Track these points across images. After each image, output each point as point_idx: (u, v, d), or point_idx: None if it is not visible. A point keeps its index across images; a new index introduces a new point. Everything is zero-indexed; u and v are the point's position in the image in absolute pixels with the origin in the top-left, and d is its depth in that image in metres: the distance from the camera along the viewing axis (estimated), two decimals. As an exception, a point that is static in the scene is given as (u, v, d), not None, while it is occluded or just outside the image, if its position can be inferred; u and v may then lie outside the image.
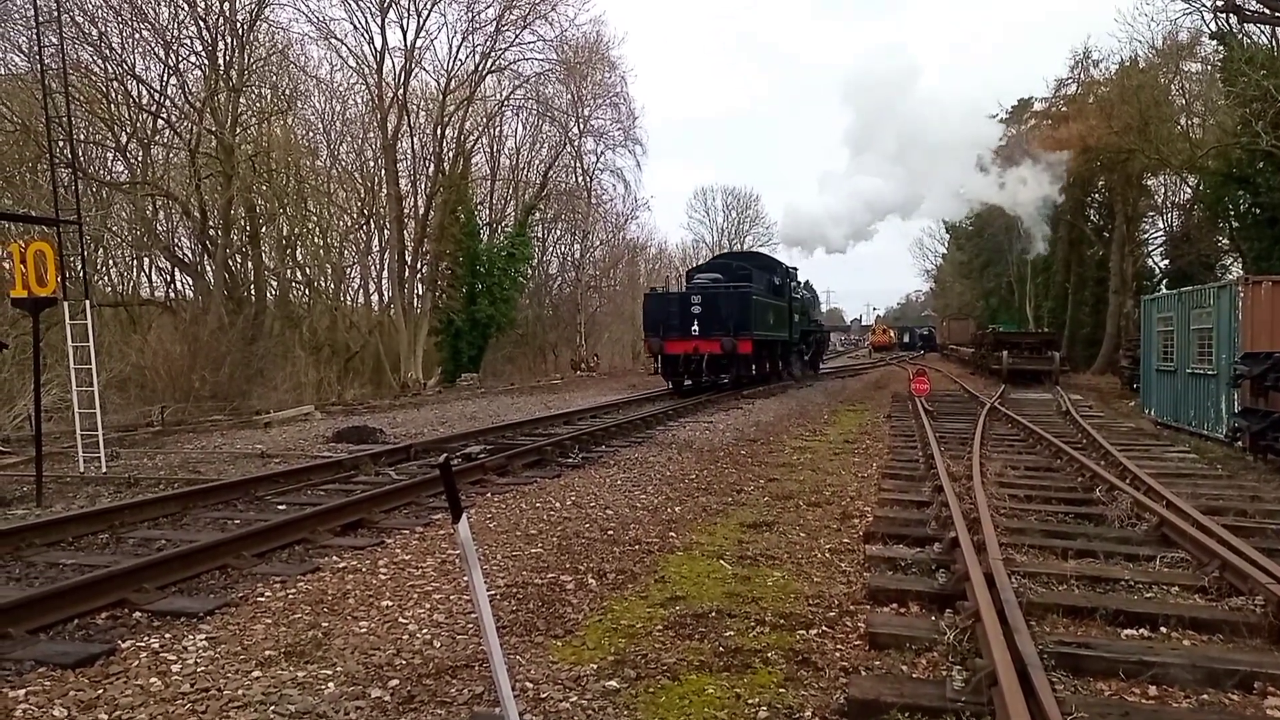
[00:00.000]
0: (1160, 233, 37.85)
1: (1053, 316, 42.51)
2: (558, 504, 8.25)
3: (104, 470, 10.52)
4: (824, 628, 4.93)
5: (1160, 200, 36.48)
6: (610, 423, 14.01)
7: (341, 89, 33.00)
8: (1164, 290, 27.17)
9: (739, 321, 21.28)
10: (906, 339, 76.07)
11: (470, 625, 4.91)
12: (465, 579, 5.75)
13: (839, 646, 4.67)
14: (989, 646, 4.07)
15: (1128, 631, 4.88)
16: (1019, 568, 5.83)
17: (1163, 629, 4.89)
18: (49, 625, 4.76)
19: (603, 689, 4.08)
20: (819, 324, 36.52)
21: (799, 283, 29.78)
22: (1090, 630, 4.88)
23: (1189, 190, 33.60)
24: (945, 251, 73.52)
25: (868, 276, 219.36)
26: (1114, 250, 34.70)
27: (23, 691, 3.91)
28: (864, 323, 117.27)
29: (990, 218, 47.80)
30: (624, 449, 12.20)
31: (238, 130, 26.85)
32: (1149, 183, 34.53)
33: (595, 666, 4.35)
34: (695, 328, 21.36)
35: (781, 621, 5.02)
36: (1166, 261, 36.16)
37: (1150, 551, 6.43)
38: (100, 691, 3.92)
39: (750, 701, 3.96)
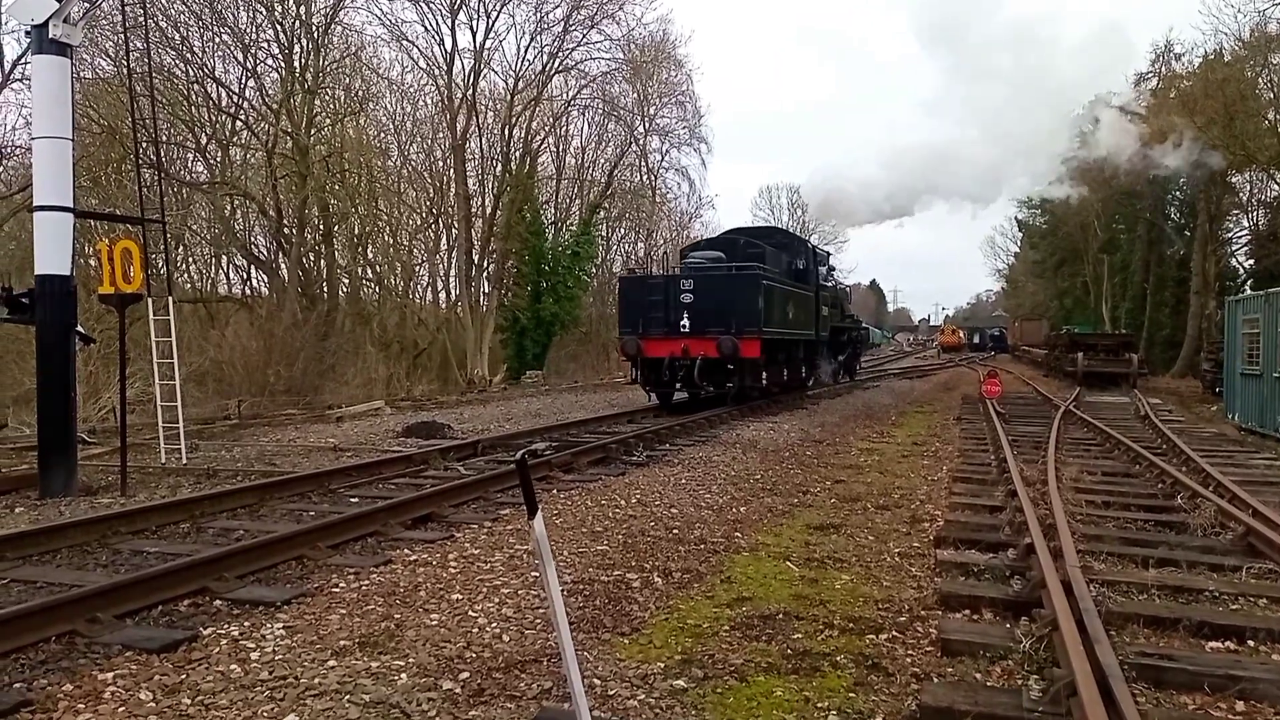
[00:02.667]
0: (1245, 231, 36.44)
1: (1130, 318, 41.28)
2: (623, 502, 8.27)
3: (184, 461, 10.86)
4: (894, 632, 4.86)
5: (1245, 198, 35.13)
6: (674, 421, 14.00)
7: (412, 90, 33.55)
8: (1249, 291, 26.17)
9: (744, 314, 15.93)
10: (976, 339, 74.59)
11: (538, 620, 4.95)
12: (533, 574, 5.83)
13: (910, 652, 4.59)
14: (1068, 656, 3.96)
15: (1213, 644, 4.70)
16: (1097, 576, 5.66)
17: (1250, 642, 4.71)
18: (135, 611, 4.92)
19: (670, 688, 4.08)
20: (855, 319, 29.82)
21: (829, 267, 24.50)
22: (1173, 642, 4.72)
23: (1276, 187, 32.31)
24: (1017, 250, 71.98)
25: (936, 276, 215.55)
26: (1196, 249, 33.55)
27: (111, 674, 4.06)
28: (932, 323, 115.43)
29: (1065, 216, 46.61)
30: (688, 448, 12.18)
31: (312, 131, 27.47)
32: (1233, 179, 33.28)
33: (662, 665, 4.35)
34: (685, 322, 16.15)
35: (850, 625, 4.96)
36: (1252, 261, 34.80)
37: (1236, 562, 6.19)
38: (183, 677, 4.04)
39: (819, 705, 3.92)
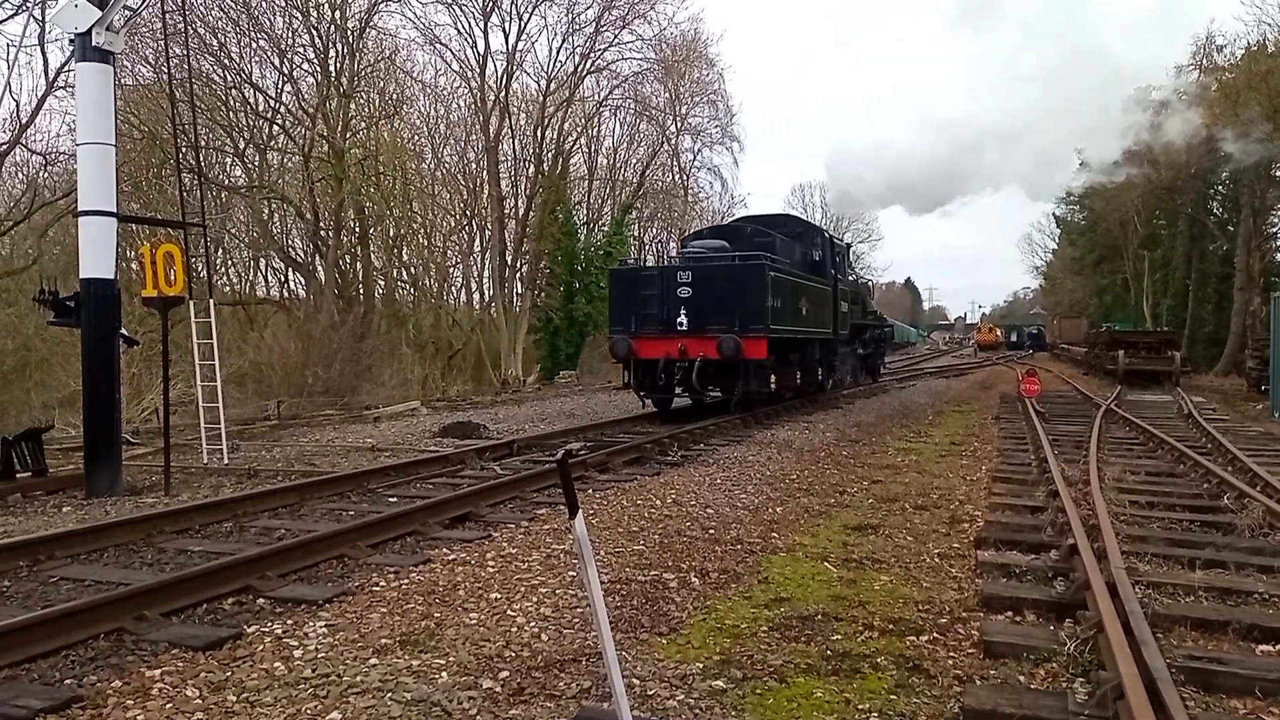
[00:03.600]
0: (1291, 226, 35.70)
1: (1172, 315, 40.58)
2: (658, 501, 8.27)
3: (226, 462, 11.02)
4: (935, 634, 4.81)
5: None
6: (709, 421, 13.96)
7: (445, 93, 33.80)
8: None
9: (749, 309, 14.33)
10: (1014, 338, 73.71)
11: (576, 620, 4.96)
12: (570, 574, 5.84)
13: (951, 654, 4.54)
14: (1114, 659, 3.90)
15: (1264, 648, 4.60)
16: (1142, 577, 5.57)
17: (1303, 646, 4.61)
18: (180, 609, 5.00)
19: (709, 689, 4.07)
20: (878, 316, 27.50)
21: (847, 259, 22.61)
22: (1222, 645, 4.63)
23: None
24: (1055, 247, 71.06)
25: (972, 274, 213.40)
26: (1240, 245, 32.90)
27: (158, 671, 4.12)
28: (968, 321, 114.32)
29: (1104, 212, 45.92)
30: (723, 448, 12.15)
31: (348, 135, 27.77)
32: (1278, 173, 32.58)
33: (701, 666, 4.34)
34: (683, 319, 14.54)
35: (890, 626, 4.92)
36: (1298, 256, 34.11)
37: (1287, 563, 6.07)
38: (228, 674, 4.10)
39: (861, 707, 3.89)
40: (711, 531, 7.17)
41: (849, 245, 24.08)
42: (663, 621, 5.00)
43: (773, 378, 15.73)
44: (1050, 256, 75.54)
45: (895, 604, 5.34)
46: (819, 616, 5.08)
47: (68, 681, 4.08)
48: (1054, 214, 64.99)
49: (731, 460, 10.94)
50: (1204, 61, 34.72)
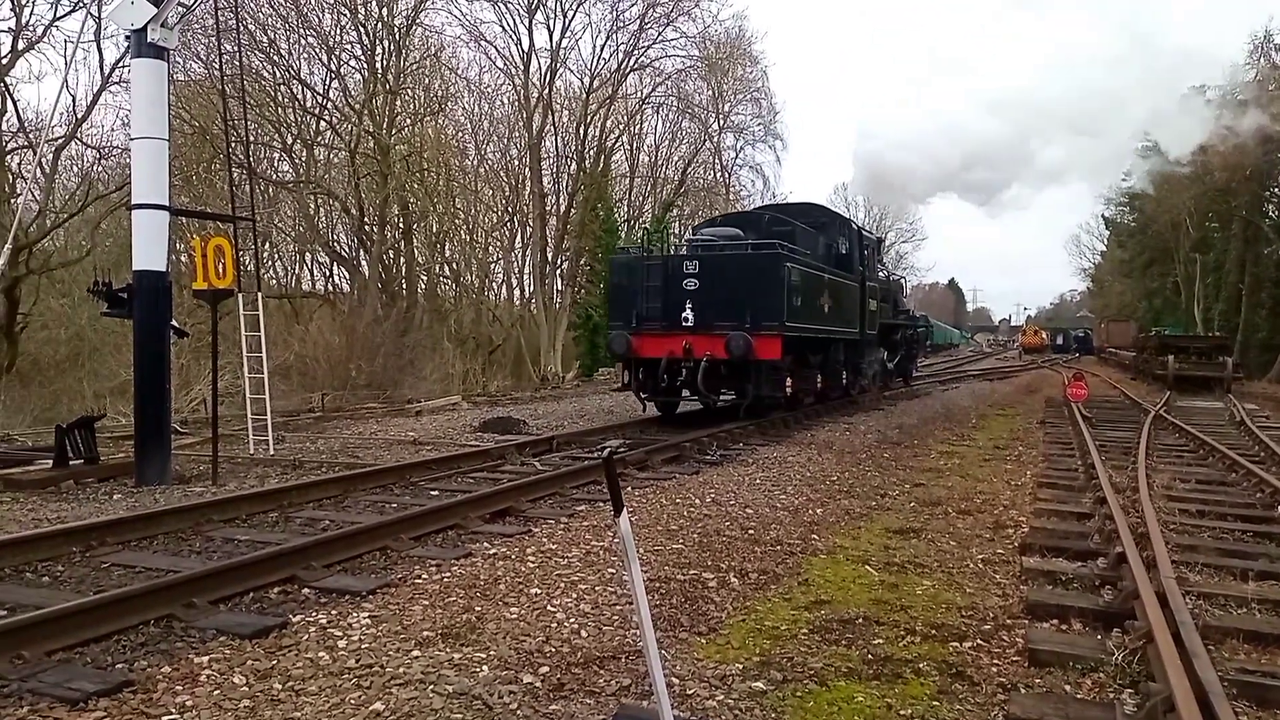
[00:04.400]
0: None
1: (1224, 319, 39.71)
2: (697, 501, 8.26)
3: (271, 452, 11.19)
4: (979, 640, 4.75)
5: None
6: (748, 421, 13.90)
7: (490, 90, 34.02)
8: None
9: (762, 304, 12.94)
10: (1060, 341, 72.57)
11: (615, 617, 4.97)
12: (609, 571, 5.85)
13: (995, 661, 4.48)
14: (1165, 671, 3.82)
15: (1321, 663, 4.49)
16: (1193, 588, 5.45)
17: (1362, 663, 4.48)
18: (228, 597, 5.09)
19: (749, 690, 4.05)
20: (911, 315, 25.54)
21: (878, 253, 20.94)
22: (1276, 659, 4.52)
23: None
24: (1104, 249, 69.89)
25: (1018, 275, 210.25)
26: (1297, 248, 32.06)
27: (206, 658, 4.20)
28: (1013, 323, 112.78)
29: (1155, 214, 45.04)
30: (762, 447, 12.10)
31: (394, 131, 28.05)
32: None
33: (740, 666, 4.32)
34: (688, 314, 13.23)
35: (933, 632, 4.86)
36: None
37: (1344, 577, 5.90)
38: (274, 662, 4.16)
39: (902, 713, 3.85)
40: (751, 532, 7.14)
41: (880, 239, 22.76)
42: (702, 621, 4.99)
43: (789, 381, 14.11)
44: (1099, 259, 74.39)
45: (938, 609, 5.27)
46: (860, 620, 5.04)
47: (119, 666, 4.17)
48: (1103, 216, 64.02)
49: (771, 460, 10.89)
50: (1262, 60, 33.91)
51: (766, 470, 10.14)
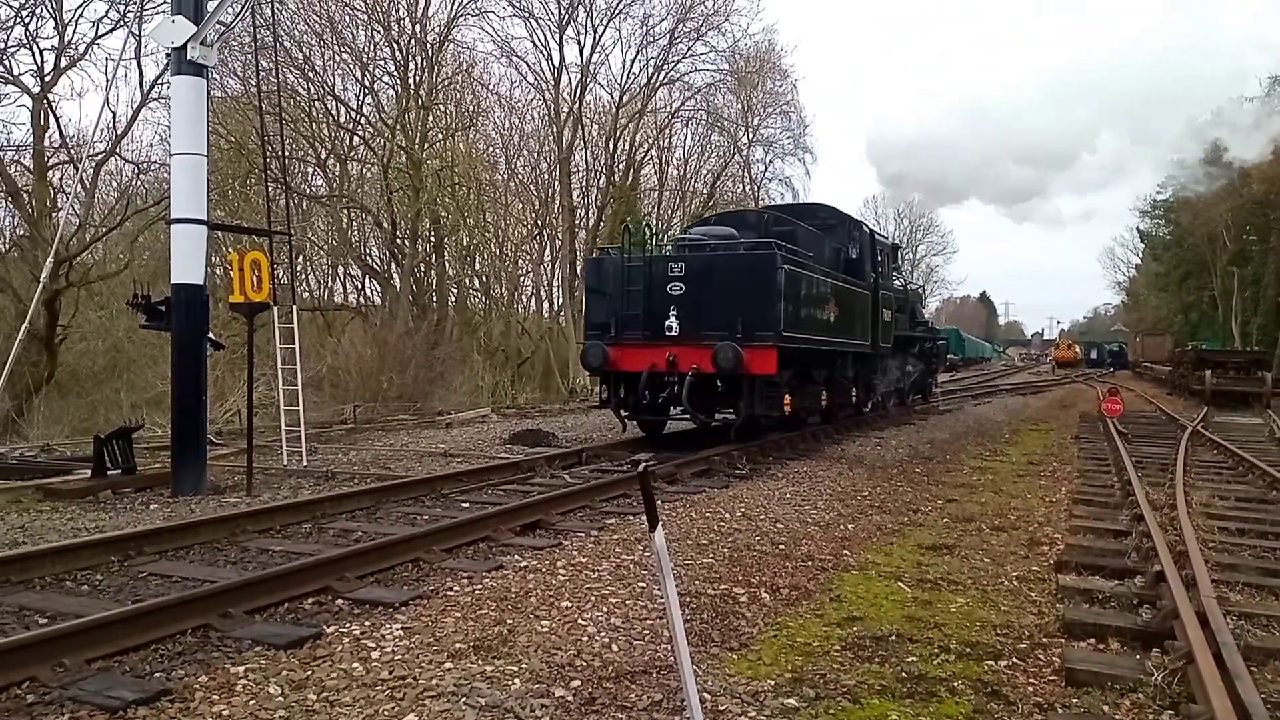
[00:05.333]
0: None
1: (1263, 334, 39.04)
2: (727, 515, 8.23)
3: (304, 464, 11.30)
4: (1014, 659, 4.69)
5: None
6: (778, 435, 13.83)
7: (520, 105, 34.27)
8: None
9: (756, 312, 11.58)
10: (1094, 355, 71.66)
11: (646, 631, 4.96)
12: (640, 585, 5.85)
13: (1032, 680, 4.43)
14: (1206, 692, 3.76)
15: (1367, 687, 4.39)
16: (1234, 608, 5.35)
17: None
18: (263, 607, 5.14)
19: (781, 706, 4.03)
20: (930, 327, 23.87)
21: (894, 260, 19.13)
22: (1322, 682, 4.43)
23: None
24: (1139, 262, 69.05)
25: (1051, 289, 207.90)
26: (1338, 262, 31.48)
27: (242, 668, 4.24)
28: (1046, 337, 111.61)
29: (1191, 226, 44.46)
30: (791, 461, 12.05)
31: (426, 146, 28.31)
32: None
33: (773, 683, 4.30)
34: (672, 322, 11.95)
35: (968, 650, 4.81)
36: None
37: (1391, 599, 5.77)
38: (309, 673, 4.20)
39: (937, 731, 3.82)
40: (782, 547, 7.11)
41: (896, 246, 20.86)
42: (733, 636, 4.97)
43: (787, 398, 12.50)
44: (1133, 272, 73.48)
45: (972, 627, 5.22)
46: (893, 637, 5.00)
47: (157, 675, 4.23)
48: (1138, 228, 63.26)
49: (801, 474, 10.84)
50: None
51: (796, 484, 10.10)
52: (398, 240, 28.54)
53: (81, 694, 3.91)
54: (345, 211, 28.44)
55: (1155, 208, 56.20)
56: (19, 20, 20.46)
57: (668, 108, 36.39)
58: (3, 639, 4.41)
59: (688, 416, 12.31)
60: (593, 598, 5.50)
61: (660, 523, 2.86)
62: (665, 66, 33.48)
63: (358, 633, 4.74)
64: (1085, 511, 8.66)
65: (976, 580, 6.25)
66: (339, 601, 5.37)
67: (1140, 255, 68.06)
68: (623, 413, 12.99)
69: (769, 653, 4.74)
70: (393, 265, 29.61)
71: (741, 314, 11.62)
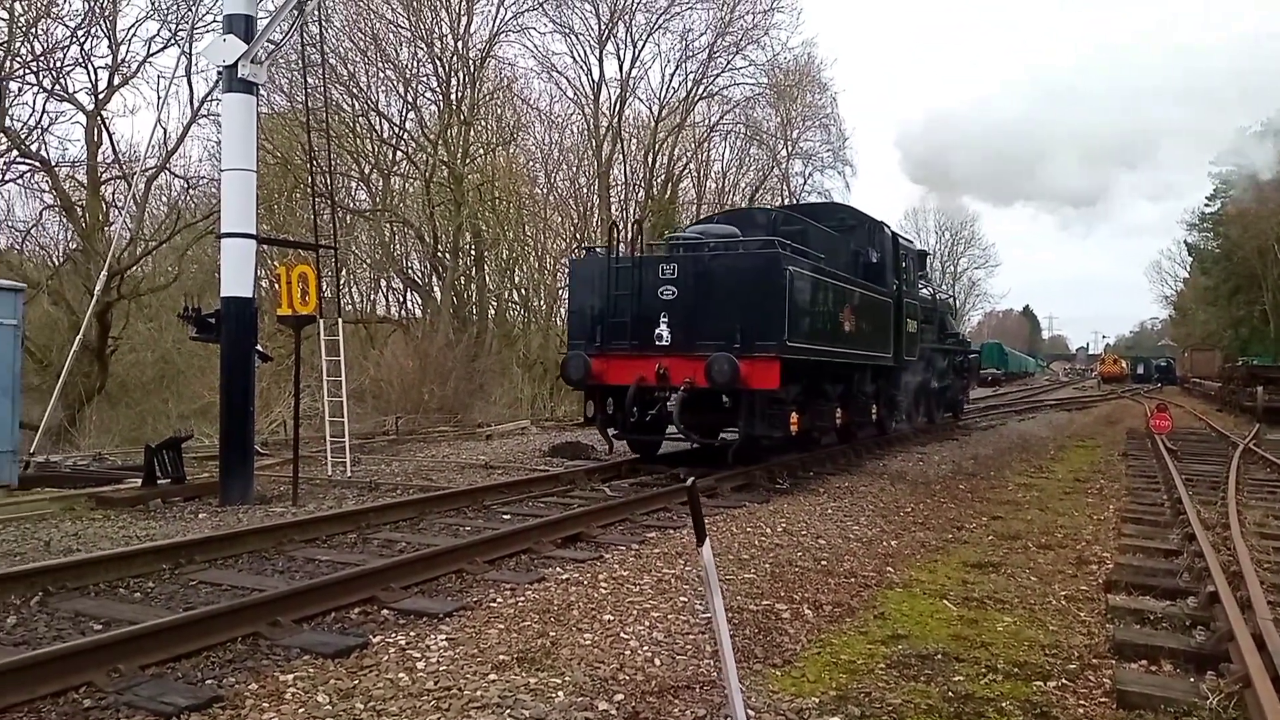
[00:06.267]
0: None
1: (1318, 349, 38.06)
2: (768, 530, 8.19)
3: (348, 474, 11.44)
4: (1064, 680, 4.62)
5: None
6: (820, 450, 13.75)
7: (560, 120, 34.51)
8: None
9: (757, 319, 10.53)
10: (1141, 370, 70.38)
11: (688, 646, 4.95)
12: (681, 599, 5.84)
13: (1082, 702, 4.35)
14: (1265, 717, 3.67)
15: None
16: (1292, 631, 5.22)
17: None
18: (311, 616, 5.20)
19: (826, 724, 4.00)
20: (961, 340, 22.50)
21: (920, 266, 17.59)
22: (1385, 709, 4.30)
23: None
24: (1187, 276, 67.72)
25: (1095, 302, 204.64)
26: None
27: (291, 676, 4.30)
28: (1091, 351, 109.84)
29: (1241, 240, 43.55)
30: (832, 476, 11.97)
31: (467, 161, 28.61)
32: None
33: (817, 700, 4.27)
34: (663, 330, 10.93)
35: (1015, 670, 4.75)
36: None
37: None
38: (356, 682, 4.24)
39: (986, 752, 3.77)
40: (824, 563, 7.06)
41: (924, 252, 19.51)
42: (776, 653, 4.95)
43: (794, 416, 11.24)
44: (1181, 286, 72.09)
45: (1020, 646, 5.15)
46: (939, 656, 4.94)
47: (209, 681, 4.30)
48: (1185, 241, 62.10)
49: (842, 490, 10.76)
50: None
51: (838, 500, 10.03)
52: (439, 254, 28.83)
53: (136, 699, 3.98)
54: (388, 225, 28.81)
55: (1204, 220, 55.16)
56: (75, 40, 21.08)
57: (706, 121, 36.45)
58: (61, 644, 4.52)
59: (690, 439, 11.49)
60: (635, 611, 5.51)
61: (708, 539, 2.87)
62: (704, 80, 33.59)
63: (403, 643, 4.79)
64: (1134, 530, 8.50)
65: (1024, 599, 6.16)
66: (384, 611, 5.43)
67: (1188, 269, 66.77)
68: (610, 431, 11.86)
69: (813, 670, 4.71)
70: (434, 278, 29.92)
71: (741, 322, 10.54)
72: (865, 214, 15.53)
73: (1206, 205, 48.93)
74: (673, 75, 33.71)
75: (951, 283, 72.82)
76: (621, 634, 5.08)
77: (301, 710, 3.92)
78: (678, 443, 12.60)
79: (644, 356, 10.97)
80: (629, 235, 11.46)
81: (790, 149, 39.46)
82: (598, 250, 12.29)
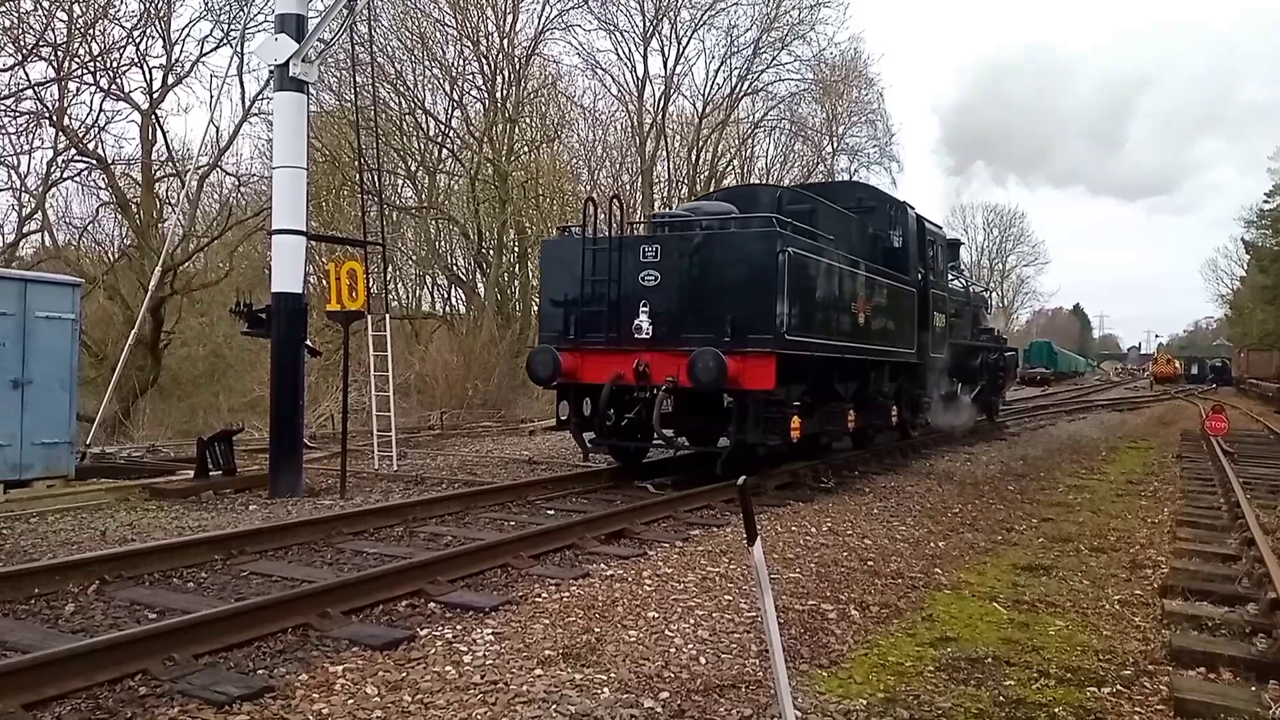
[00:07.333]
0: None
1: (1381, 350, 36.87)
2: (813, 529, 8.13)
3: (394, 468, 11.57)
4: (1118, 686, 4.52)
5: None
6: (862, 449, 13.60)
7: (604, 117, 34.55)
8: None
9: (750, 309, 9.29)
10: (1195, 370, 68.78)
11: (733, 645, 4.92)
12: (726, 598, 5.82)
13: (1138, 710, 4.25)
14: (1332, 730, 3.55)
15: None
16: (1358, 641, 5.06)
17: None
18: (359, 609, 5.26)
19: (875, 726, 3.96)
20: (996, 336, 20.78)
21: (947, 254, 15.77)
22: None
23: None
24: (1244, 274, 65.98)
25: (1148, 301, 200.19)
26: None
27: (340, 668, 4.34)
28: (1143, 351, 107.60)
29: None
30: (877, 475, 11.84)
31: (511, 158, 28.76)
32: None
33: (865, 702, 4.22)
34: (644, 322, 9.66)
35: (1068, 675, 4.65)
36: None
37: None
38: (404, 675, 4.28)
39: (1039, 759, 3.70)
40: (870, 563, 6.98)
41: (958, 242, 18.00)
42: (822, 653, 4.90)
43: (795, 420, 9.77)
44: (1237, 284, 70.27)
45: (1073, 651, 5.04)
46: (989, 659, 4.86)
47: (260, 671, 4.36)
48: (1242, 239, 60.48)
49: (888, 490, 10.65)
50: None
51: (884, 500, 9.92)
52: (483, 250, 29.03)
53: (190, 688, 4.05)
54: (433, 222, 29.07)
55: (1262, 217, 53.66)
56: (130, 41, 21.56)
57: (750, 118, 36.27)
58: (118, 632, 4.62)
59: (689, 445, 10.54)
60: (679, 609, 5.49)
61: (759, 537, 2.84)
62: (749, 76, 33.41)
63: (450, 636, 4.82)
64: (1190, 534, 8.30)
65: (1076, 603, 6.03)
66: (431, 605, 5.46)
67: (1245, 266, 65.06)
68: (586, 436, 10.40)
69: (860, 671, 4.65)
70: (478, 275, 30.14)
71: (731, 312, 9.27)
72: (886, 194, 14.33)
73: (1266, 202, 47.56)
74: (717, 71, 33.57)
75: (999, 280, 71.80)
76: (666, 631, 5.07)
77: (351, 701, 3.96)
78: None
79: (622, 351, 9.74)
80: (609, 213, 9.91)
81: (836, 145, 39.16)
82: (573, 231, 10.86)
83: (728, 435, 9.84)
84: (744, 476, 2.68)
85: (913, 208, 13.90)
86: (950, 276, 16.16)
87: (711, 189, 34.66)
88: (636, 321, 9.69)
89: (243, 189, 25.07)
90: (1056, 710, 4.19)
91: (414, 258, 30.68)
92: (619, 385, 9.69)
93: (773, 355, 9.20)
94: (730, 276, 9.44)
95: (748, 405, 9.43)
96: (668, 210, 11.03)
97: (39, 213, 22.40)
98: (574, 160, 34.39)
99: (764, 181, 38.70)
